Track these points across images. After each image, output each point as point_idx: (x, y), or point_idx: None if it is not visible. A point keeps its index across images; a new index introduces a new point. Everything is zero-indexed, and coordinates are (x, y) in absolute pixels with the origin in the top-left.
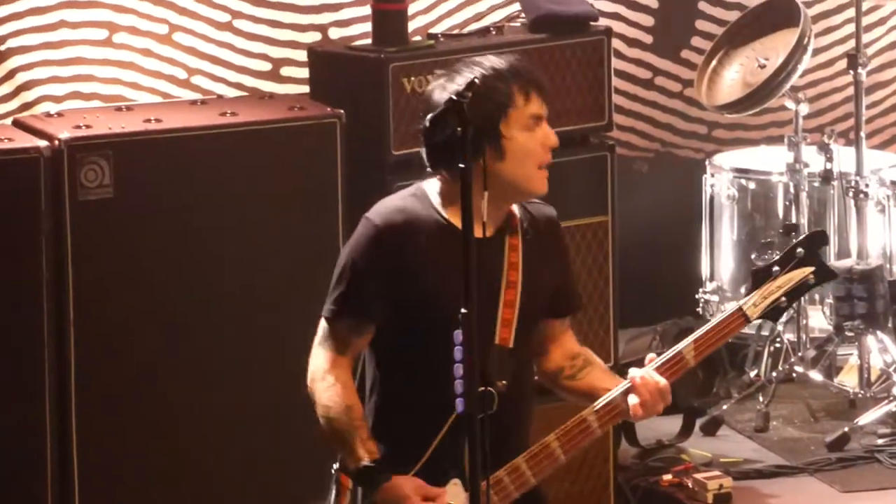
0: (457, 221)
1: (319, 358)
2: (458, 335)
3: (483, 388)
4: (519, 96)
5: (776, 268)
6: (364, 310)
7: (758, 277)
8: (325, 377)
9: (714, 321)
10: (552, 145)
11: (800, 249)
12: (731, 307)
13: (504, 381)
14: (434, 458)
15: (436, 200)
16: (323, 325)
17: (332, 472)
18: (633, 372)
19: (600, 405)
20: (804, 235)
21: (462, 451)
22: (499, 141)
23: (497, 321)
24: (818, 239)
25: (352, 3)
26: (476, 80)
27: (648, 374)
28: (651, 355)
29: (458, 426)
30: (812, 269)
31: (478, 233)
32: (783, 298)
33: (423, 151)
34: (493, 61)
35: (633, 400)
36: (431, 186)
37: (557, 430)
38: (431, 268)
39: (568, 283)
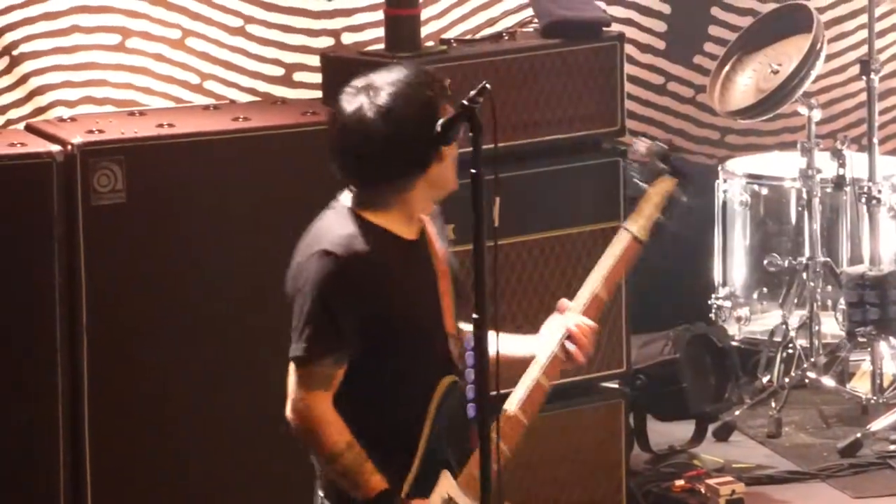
0: (398, 231)
1: (307, 401)
2: (470, 341)
3: (454, 379)
4: (441, 98)
5: (644, 185)
6: (341, 344)
7: (633, 203)
8: (319, 420)
9: (614, 255)
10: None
11: (658, 163)
12: (622, 236)
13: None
14: (423, 462)
15: (368, 215)
16: (298, 368)
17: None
18: (566, 321)
19: (545, 363)
20: (654, 151)
21: (445, 445)
22: (438, 145)
23: (443, 311)
24: (666, 151)
25: (364, 9)
26: (487, 86)
27: (581, 320)
28: (564, 301)
29: (437, 425)
30: (672, 179)
31: (408, 235)
32: (660, 215)
33: (361, 162)
34: (406, 69)
35: (572, 347)
36: (348, 203)
37: (518, 403)
38: (396, 284)
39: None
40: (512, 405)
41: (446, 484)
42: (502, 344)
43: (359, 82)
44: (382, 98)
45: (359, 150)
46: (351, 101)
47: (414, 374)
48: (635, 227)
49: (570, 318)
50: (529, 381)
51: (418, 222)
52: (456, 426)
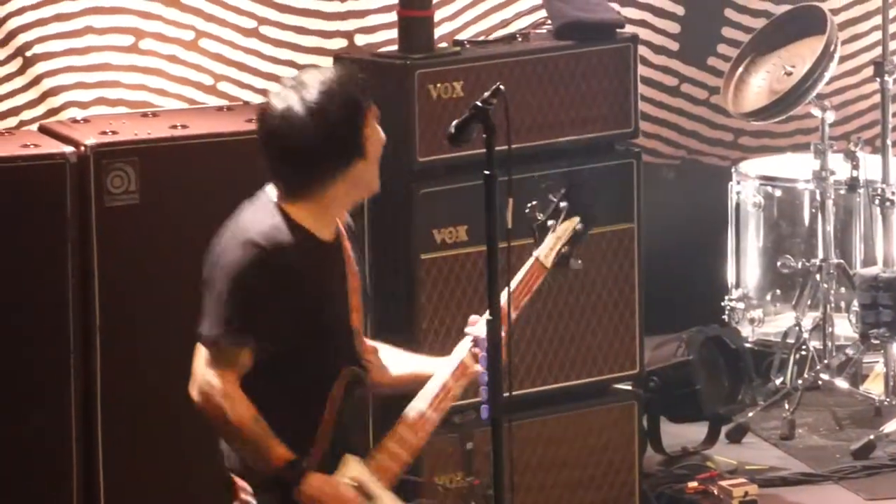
0: (317, 228)
1: (214, 379)
2: (483, 342)
3: (355, 369)
4: (367, 99)
5: (551, 221)
6: (255, 329)
7: (541, 231)
8: (225, 396)
9: (519, 276)
10: (384, 141)
11: (563, 203)
12: (530, 260)
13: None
14: (325, 452)
15: (291, 210)
16: (211, 347)
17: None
18: (473, 331)
19: (454, 368)
20: (565, 189)
21: (348, 431)
22: (363, 142)
23: (350, 308)
24: (582, 189)
25: (378, 10)
26: (501, 87)
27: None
28: (475, 317)
29: (341, 414)
30: (578, 218)
31: (325, 234)
32: (565, 248)
33: (288, 156)
34: (333, 69)
35: (478, 351)
36: (273, 197)
37: (428, 399)
38: (311, 279)
39: (366, 279)
40: (423, 401)
41: (354, 468)
42: (413, 364)
43: (290, 81)
44: (311, 95)
45: (286, 145)
46: (281, 98)
47: (319, 366)
48: (541, 253)
49: (479, 328)
50: (438, 381)
51: (335, 222)
52: (359, 415)
